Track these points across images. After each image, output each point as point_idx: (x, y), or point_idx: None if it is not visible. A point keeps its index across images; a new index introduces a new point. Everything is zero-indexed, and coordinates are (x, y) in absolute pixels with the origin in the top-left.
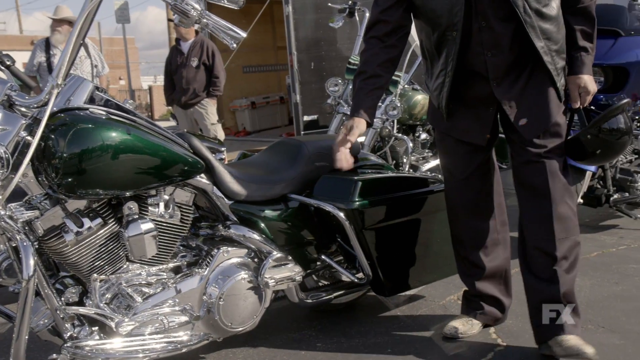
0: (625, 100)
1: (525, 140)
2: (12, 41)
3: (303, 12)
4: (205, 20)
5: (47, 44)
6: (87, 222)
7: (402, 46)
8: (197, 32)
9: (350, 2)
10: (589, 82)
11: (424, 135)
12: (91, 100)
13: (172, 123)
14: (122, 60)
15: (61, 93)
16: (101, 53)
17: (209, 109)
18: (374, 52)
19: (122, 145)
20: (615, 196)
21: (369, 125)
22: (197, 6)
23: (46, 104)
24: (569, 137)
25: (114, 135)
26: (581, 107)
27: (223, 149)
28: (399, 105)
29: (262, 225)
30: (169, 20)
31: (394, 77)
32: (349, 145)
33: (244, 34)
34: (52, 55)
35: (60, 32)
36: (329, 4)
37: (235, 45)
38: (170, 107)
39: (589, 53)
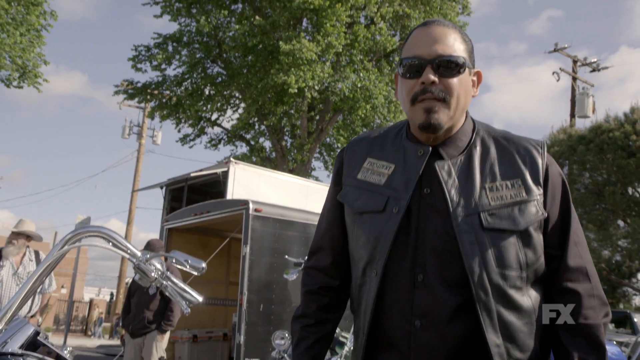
0: None
1: None
2: None
3: (260, 254)
4: (164, 282)
5: None
6: None
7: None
8: None
9: (306, 257)
10: None
11: None
12: (30, 344)
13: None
14: (69, 268)
15: None
16: None
17: (157, 343)
18: (315, 291)
19: None
20: None
21: None
22: (159, 267)
23: None
24: None
25: None
26: None
27: None
28: None
29: None
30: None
31: (340, 338)
32: None
33: (200, 299)
34: (0, 267)
35: (14, 245)
36: (286, 257)
37: (189, 310)
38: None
39: None
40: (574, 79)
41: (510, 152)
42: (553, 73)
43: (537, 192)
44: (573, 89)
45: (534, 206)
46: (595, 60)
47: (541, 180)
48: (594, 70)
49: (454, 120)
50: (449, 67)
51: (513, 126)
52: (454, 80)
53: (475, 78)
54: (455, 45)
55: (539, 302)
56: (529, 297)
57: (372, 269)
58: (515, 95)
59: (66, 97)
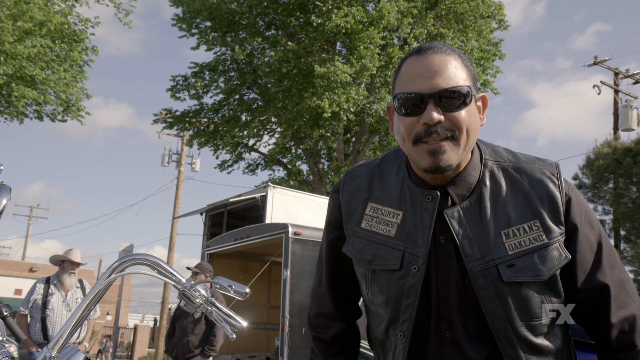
0: None
1: None
2: (11, 266)
3: (300, 277)
4: (209, 308)
5: (48, 282)
6: None
7: (356, 347)
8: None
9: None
10: None
11: None
12: None
13: None
14: (114, 295)
15: None
16: None
17: None
18: (328, 340)
19: None
20: None
21: None
22: (204, 293)
23: None
24: None
25: None
26: None
27: None
28: None
29: None
30: None
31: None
32: None
33: (245, 324)
34: (50, 294)
35: (74, 274)
36: None
37: (234, 335)
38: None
39: None
40: (616, 91)
41: (524, 188)
42: (594, 86)
43: (557, 231)
44: (615, 102)
45: (556, 249)
46: (639, 72)
47: (562, 218)
48: (636, 82)
49: (464, 156)
50: (453, 100)
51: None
52: (461, 114)
53: (480, 104)
54: (457, 74)
55: (566, 338)
56: (556, 338)
57: (397, 329)
58: (560, 112)
59: (113, 129)
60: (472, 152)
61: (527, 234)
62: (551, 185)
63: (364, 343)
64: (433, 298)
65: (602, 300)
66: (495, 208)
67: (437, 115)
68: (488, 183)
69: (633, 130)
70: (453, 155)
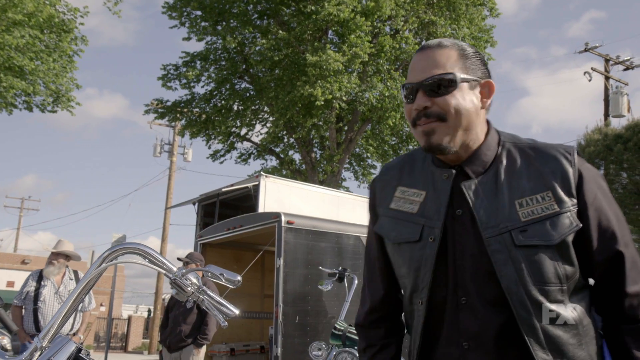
0: None
1: None
2: (3, 258)
3: (293, 266)
4: (201, 296)
5: (40, 275)
6: None
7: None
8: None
9: (340, 268)
10: None
11: None
12: None
13: (144, 357)
14: (107, 286)
15: (43, 353)
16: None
17: (193, 357)
18: (374, 322)
19: None
20: None
21: None
22: (195, 282)
23: None
24: None
25: None
26: None
27: None
28: None
29: None
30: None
31: None
32: None
33: (236, 311)
34: (42, 286)
35: (54, 265)
36: (320, 268)
37: (226, 323)
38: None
39: None
40: (607, 78)
41: (538, 163)
42: (585, 73)
43: (569, 203)
44: (606, 89)
45: (567, 218)
46: (629, 58)
47: (574, 191)
48: (627, 69)
49: (462, 137)
50: (439, 87)
51: (551, 130)
52: (447, 98)
53: (485, 89)
54: (447, 64)
55: (585, 310)
56: (573, 309)
57: (418, 297)
58: (554, 99)
59: (107, 120)
60: (488, 134)
61: (539, 204)
62: (564, 161)
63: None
64: (450, 266)
65: (616, 272)
66: (510, 181)
67: (422, 102)
68: (504, 160)
69: (624, 116)
70: (443, 136)
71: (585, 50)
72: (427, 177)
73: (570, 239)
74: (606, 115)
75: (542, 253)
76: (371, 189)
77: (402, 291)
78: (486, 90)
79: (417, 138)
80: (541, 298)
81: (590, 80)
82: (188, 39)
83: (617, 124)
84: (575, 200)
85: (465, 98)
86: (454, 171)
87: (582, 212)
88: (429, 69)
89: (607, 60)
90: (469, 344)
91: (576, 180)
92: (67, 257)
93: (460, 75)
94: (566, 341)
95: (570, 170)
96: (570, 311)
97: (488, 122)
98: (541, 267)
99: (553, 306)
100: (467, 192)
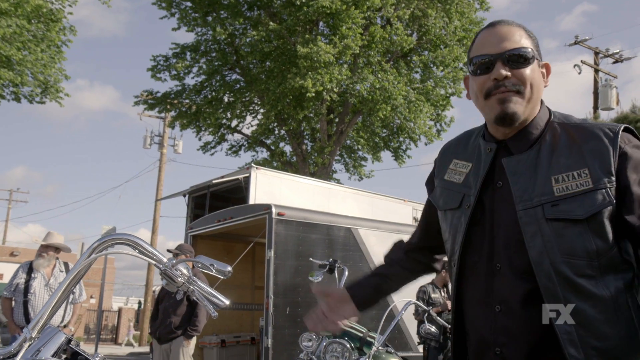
0: None
1: None
2: None
3: (284, 258)
4: (191, 287)
5: (30, 267)
6: None
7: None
8: None
9: (330, 259)
10: None
11: None
12: (62, 352)
13: (134, 349)
14: (97, 278)
15: (32, 344)
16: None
17: (183, 349)
18: (400, 247)
19: None
20: None
21: (357, 306)
22: (185, 272)
23: (15, 355)
24: None
25: None
26: None
27: None
28: None
29: None
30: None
31: (368, 338)
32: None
33: (227, 302)
34: (32, 278)
35: (44, 257)
36: (310, 259)
37: (216, 313)
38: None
39: None
40: (596, 71)
41: (581, 142)
42: (574, 66)
43: (606, 180)
44: (595, 81)
45: (601, 194)
46: (618, 51)
47: (613, 169)
48: (616, 62)
49: (529, 111)
50: (519, 59)
51: None
52: (526, 71)
53: (544, 70)
54: (522, 40)
55: (622, 289)
56: (605, 286)
57: (452, 260)
58: (545, 92)
59: (97, 112)
60: (540, 112)
61: (574, 180)
62: (606, 140)
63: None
64: (487, 235)
65: None
66: (550, 158)
67: (504, 71)
68: (548, 139)
69: (612, 109)
70: (519, 106)
71: (575, 43)
72: (475, 149)
73: (605, 215)
74: (595, 108)
75: (572, 227)
76: (435, 163)
77: (436, 253)
78: (545, 71)
79: (487, 110)
80: (567, 270)
81: (580, 73)
82: (177, 28)
83: (606, 116)
84: (613, 179)
85: (537, 74)
86: (496, 145)
87: (625, 192)
88: (506, 42)
89: (596, 53)
90: (500, 308)
91: (617, 159)
92: (57, 249)
93: (535, 52)
94: (592, 316)
95: (610, 149)
96: (601, 288)
97: (541, 101)
98: (569, 240)
99: (580, 280)
100: (507, 167)
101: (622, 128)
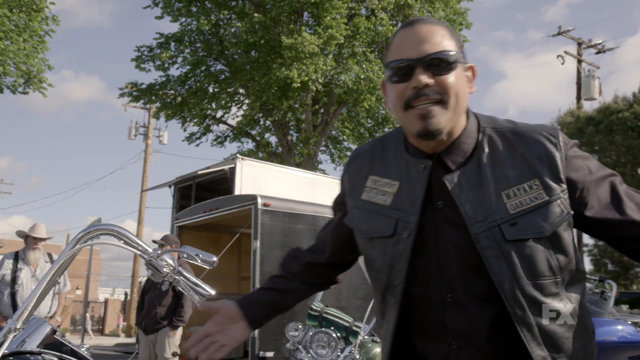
0: None
1: None
2: None
3: (270, 248)
4: (176, 277)
5: (16, 258)
6: None
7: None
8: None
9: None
10: None
11: None
12: (47, 342)
13: (120, 340)
14: (83, 270)
15: (17, 335)
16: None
17: (169, 339)
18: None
19: None
20: None
21: (249, 325)
22: (171, 262)
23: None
24: None
25: None
26: None
27: None
28: (357, 357)
29: None
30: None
31: (354, 328)
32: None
33: (212, 292)
34: (19, 270)
35: (39, 250)
36: None
37: (201, 304)
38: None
39: None
40: (579, 61)
41: (522, 149)
42: (558, 56)
43: (558, 189)
44: (578, 72)
45: (558, 206)
46: (601, 41)
47: (562, 176)
48: (599, 52)
49: (455, 122)
50: (441, 64)
51: (527, 113)
52: (450, 77)
53: (469, 73)
54: (444, 42)
55: (579, 299)
56: (568, 300)
57: (391, 295)
58: (530, 83)
59: (82, 102)
60: (468, 120)
61: (527, 193)
62: (549, 145)
63: (334, 311)
64: (432, 262)
65: (626, 217)
66: (494, 171)
67: (425, 79)
68: (486, 148)
69: (595, 99)
70: (442, 119)
71: (559, 33)
72: (401, 165)
73: (563, 227)
74: (578, 98)
75: (535, 246)
76: (342, 177)
77: (373, 289)
78: (471, 75)
79: (407, 123)
80: (536, 293)
81: (563, 64)
82: (161, 17)
83: (589, 107)
84: (564, 186)
85: (461, 79)
86: (430, 162)
87: (579, 194)
88: (426, 44)
89: (579, 44)
90: (458, 343)
91: (563, 163)
92: (42, 239)
93: (459, 55)
94: (562, 335)
95: (556, 154)
96: (565, 303)
97: (467, 108)
98: (534, 260)
99: (548, 300)
100: (450, 185)
101: (559, 130)
